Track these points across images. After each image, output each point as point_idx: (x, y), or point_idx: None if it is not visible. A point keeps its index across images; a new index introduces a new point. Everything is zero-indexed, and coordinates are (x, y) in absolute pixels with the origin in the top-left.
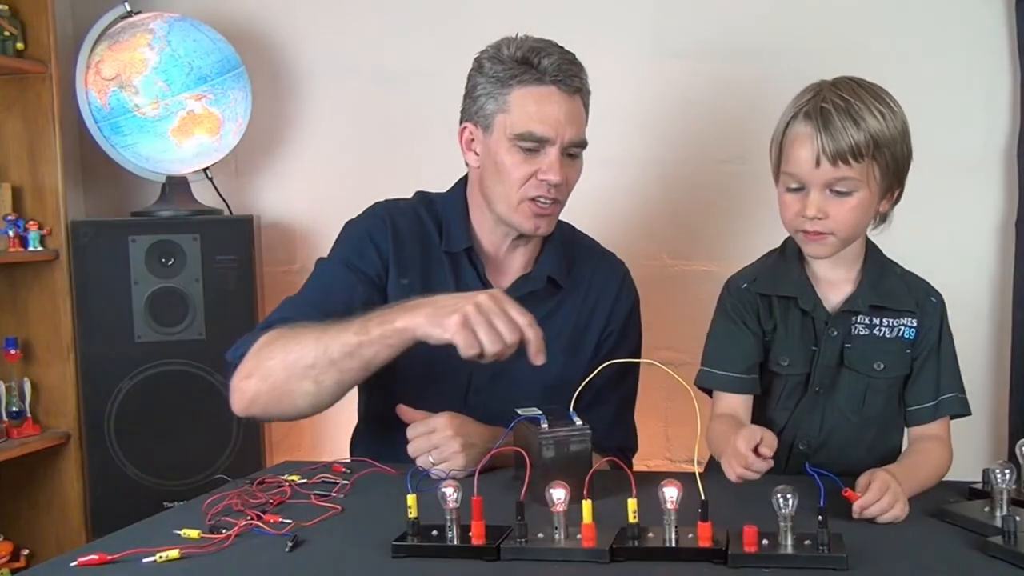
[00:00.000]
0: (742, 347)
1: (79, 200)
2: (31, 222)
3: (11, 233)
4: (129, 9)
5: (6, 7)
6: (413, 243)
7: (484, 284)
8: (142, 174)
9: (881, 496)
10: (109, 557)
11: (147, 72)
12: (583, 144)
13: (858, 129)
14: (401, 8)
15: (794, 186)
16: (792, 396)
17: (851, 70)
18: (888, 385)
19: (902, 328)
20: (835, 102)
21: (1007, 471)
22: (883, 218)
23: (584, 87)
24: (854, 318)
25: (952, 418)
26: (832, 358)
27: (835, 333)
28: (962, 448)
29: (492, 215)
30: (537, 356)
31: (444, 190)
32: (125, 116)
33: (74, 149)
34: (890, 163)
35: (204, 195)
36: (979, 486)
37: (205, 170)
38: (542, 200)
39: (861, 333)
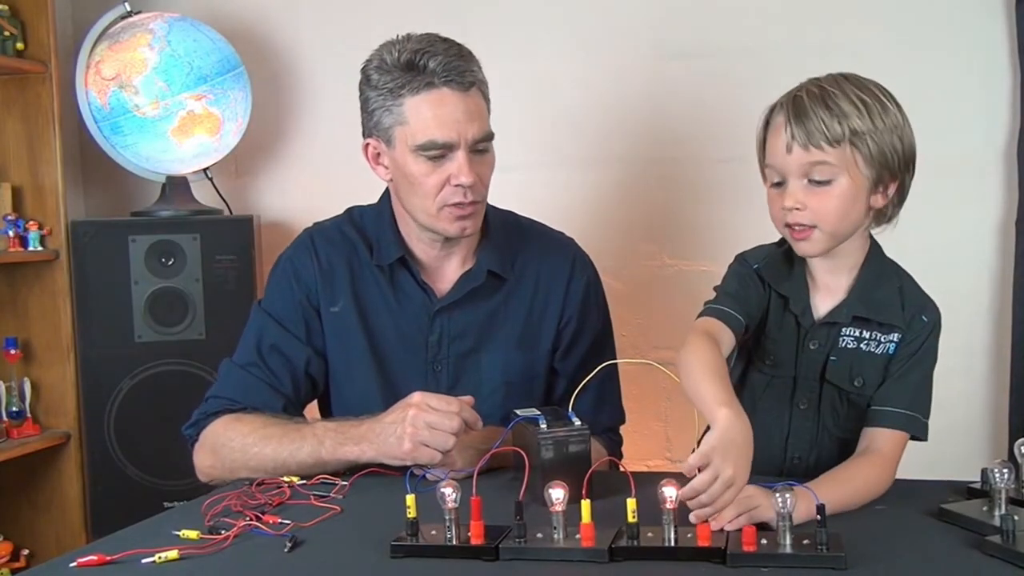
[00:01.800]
0: (746, 299)
1: (79, 200)
2: (31, 222)
3: (11, 233)
4: (129, 9)
5: (6, 7)
6: (340, 266)
7: (422, 288)
8: (142, 174)
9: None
10: (108, 558)
11: (147, 72)
12: (489, 137)
13: (831, 115)
14: (402, 8)
15: (776, 180)
16: (779, 403)
17: (851, 69)
18: (868, 402)
19: (890, 345)
20: (809, 90)
21: (1006, 470)
22: (885, 216)
23: (477, 78)
24: (843, 330)
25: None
26: (814, 371)
27: (815, 345)
28: (962, 448)
29: (416, 224)
30: (476, 426)
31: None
32: (125, 116)
33: (74, 149)
34: (874, 152)
35: (204, 195)
36: (978, 485)
37: (205, 170)
38: (461, 204)
39: (848, 346)
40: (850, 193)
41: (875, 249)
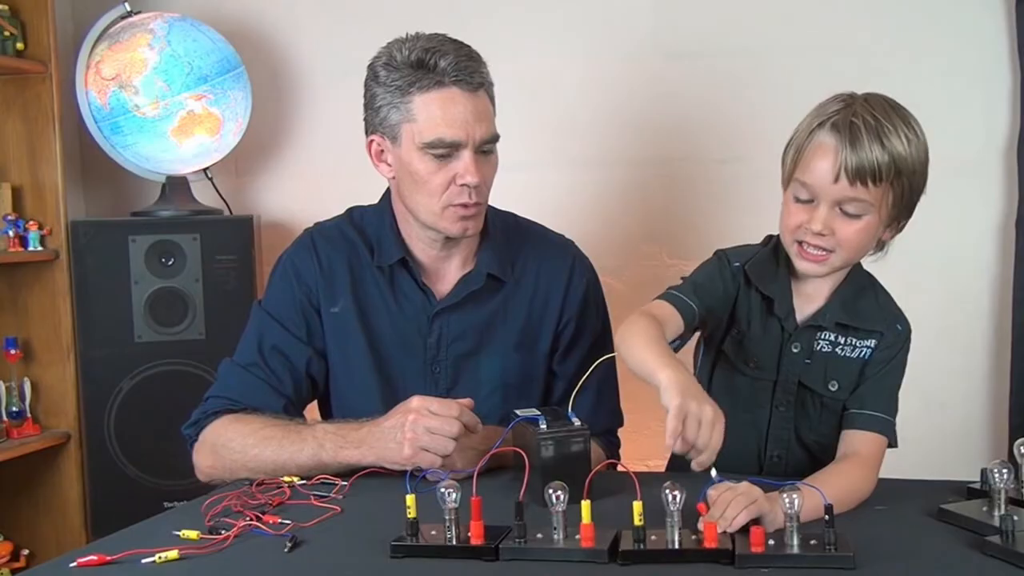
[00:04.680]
0: (710, 290)
1: (79, 200)
2: (31, 222)
3: (11, 233)
4: (129, 9)
5: (6, 7)
6: (341, 266)
7: (422, 289)
8: (142, 174)
9: (724, 509)
10: (108, 558)
11: (147, 72)
12: (495, 139)
13: (884, 151)
14: (402, 8)
15: (804, 196)
16: (760, 405)
17: (851, 70)
18: (841, 406)
19: (865, 350)
20: (866, 119)
21: (1005, 470)
22: (880, 246)
23: (486, 80)
24: (819, 334)
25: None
26: (794, 374)
27: (797, 348)
28: (962, 448)
29: (417, 223)
30: (475, 429)
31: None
32: (125, 116)
33: (74, 149)
34: (905, 192)
35: (204, 195)
36: (977, 486)
37: (205, 170)
38: (464, 204)
39: (823, 350)
40: (873, 228)
41: (857, 263)
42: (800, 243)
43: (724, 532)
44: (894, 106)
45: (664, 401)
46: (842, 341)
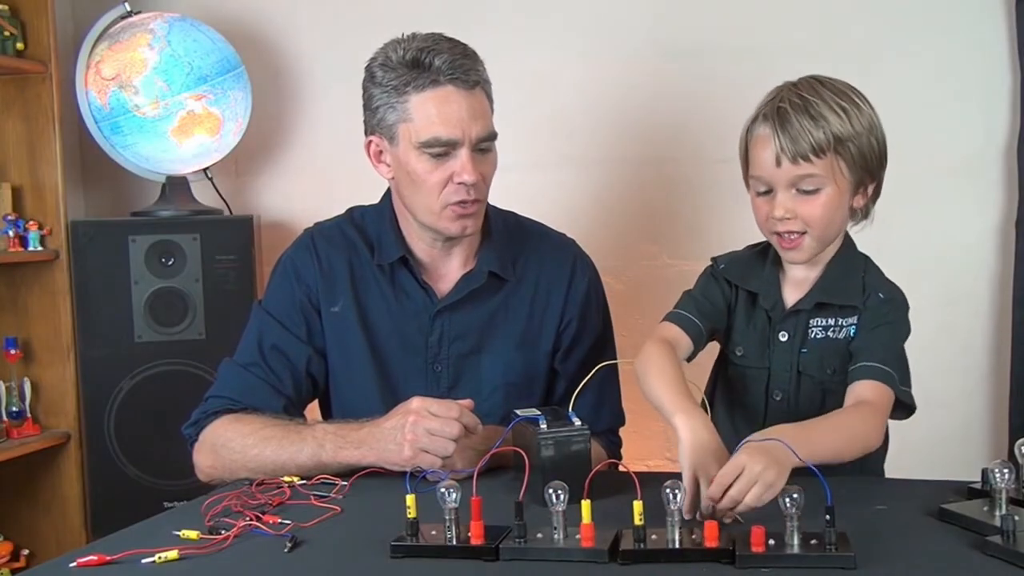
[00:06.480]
0: (708, 301)
1: (79, 200)
2: (31, 222)
3: (11, 233)
4: (129, 9)
5: (6, 7)
6: (340, 265)
7: (423, 288)
8: (142, 174)
9: (729, 482)
10: (108, 558)
11: (147, 72)
12: (492, 137)
13: (816, 126)
14: (402, 8)
15: (762, 189)
16: (755, 395)
17: (851, 70)
18: (844, 387)
19: (851, 328)
20: (792, 101)
21: (1006, 470)
22: (864, 214)
23: (482, 78)
24: (811, 322)
25: (898, 414)
26: (787, 363)
27: (784, 337)
28: (962, 448)
29: (417, 223)
30: (476, 430)
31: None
32: (125, 116)
33: (74, 149)
34: (856, 157)
35: (204, 195)
36: (978, 485)
37: (205, 170)
38: (463, 203)
39: (817, 337)
40: (836, 199)
41: (847, 243)
42: (777, 234)
43: (728, 526)
44: (823, 82)
45: (679, 458)
46: (832, 324)
